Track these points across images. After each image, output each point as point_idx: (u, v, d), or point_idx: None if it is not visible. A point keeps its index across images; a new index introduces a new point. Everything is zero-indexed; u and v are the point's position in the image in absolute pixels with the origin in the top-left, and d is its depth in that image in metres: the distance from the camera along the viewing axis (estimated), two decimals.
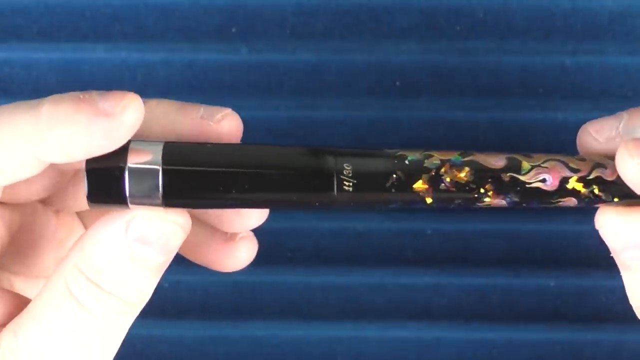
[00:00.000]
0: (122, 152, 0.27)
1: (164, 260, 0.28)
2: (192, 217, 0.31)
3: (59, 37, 0.43)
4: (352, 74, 0.43)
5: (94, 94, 0.26)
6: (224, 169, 0.28)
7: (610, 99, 0.43)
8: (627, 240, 0.28)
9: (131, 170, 0.27)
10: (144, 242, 0.27)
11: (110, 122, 0.26)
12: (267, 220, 0.43)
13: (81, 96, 0.26)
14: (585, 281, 0.44)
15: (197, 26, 0.43)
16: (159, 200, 0.27)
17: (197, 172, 0.27)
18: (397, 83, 0.43)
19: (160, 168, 0.27)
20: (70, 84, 0.43)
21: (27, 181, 0.29)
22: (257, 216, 0.32)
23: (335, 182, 0.28)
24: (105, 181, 0.27)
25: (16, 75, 0.43)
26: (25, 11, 0.43)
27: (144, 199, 0.27)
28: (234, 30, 0.43)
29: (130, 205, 0.27)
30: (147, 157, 0.27)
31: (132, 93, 0.27)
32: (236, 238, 0.32)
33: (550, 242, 0.44)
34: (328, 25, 0.43)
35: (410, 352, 0.45)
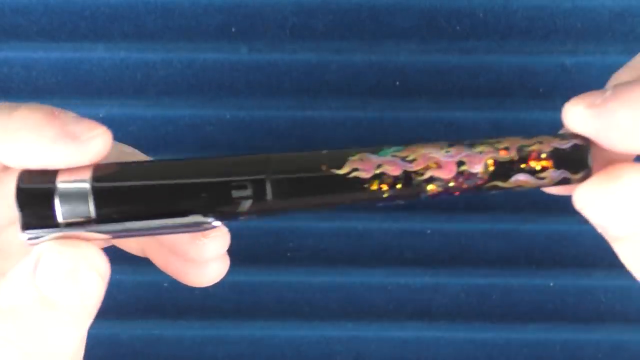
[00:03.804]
0: (52, 174, 0.26)
1: (81, 307, 0.25)
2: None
3: (59, 37, 0.43)
4: (352, 74, 0.43)
5: (70, 114, 0.26)
6: (152, 182, 0.26)
7: None
8: (611, 216, 0.26)
9: (61, 191, 0.26)
10: (53, 283, 0.24)
11: (74, 146, 0.25)
12: (266, 219, 0.43)
13: (56, 112, 0.26)
14: (585, 281, 0.44)
15: (197, 26, 0.43)
16: (93, 222, 0.26)
17: (127, 187, 0.26)
18: (397, 83, 0.43)
19: (89, 186, 0.26)
20: (70, 84, 0.43)
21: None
22: (214, 247, 0.30)
23: (268, 188, 0.26)
24: (36, 205, 0.26)
25: (16, 75, 0.43)
26: (25, 11, 0.43)
27: (78, 222, 0.26)
28: (234, 30, 0.43)
29: (63, 231, 0.26)
30: (76, 177, 0.26)
31: (105, 127, 0.26)
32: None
33: (550, 242, 0.44)
34: (328, 25, 0.43)
35: (410, 352, 0.45)
